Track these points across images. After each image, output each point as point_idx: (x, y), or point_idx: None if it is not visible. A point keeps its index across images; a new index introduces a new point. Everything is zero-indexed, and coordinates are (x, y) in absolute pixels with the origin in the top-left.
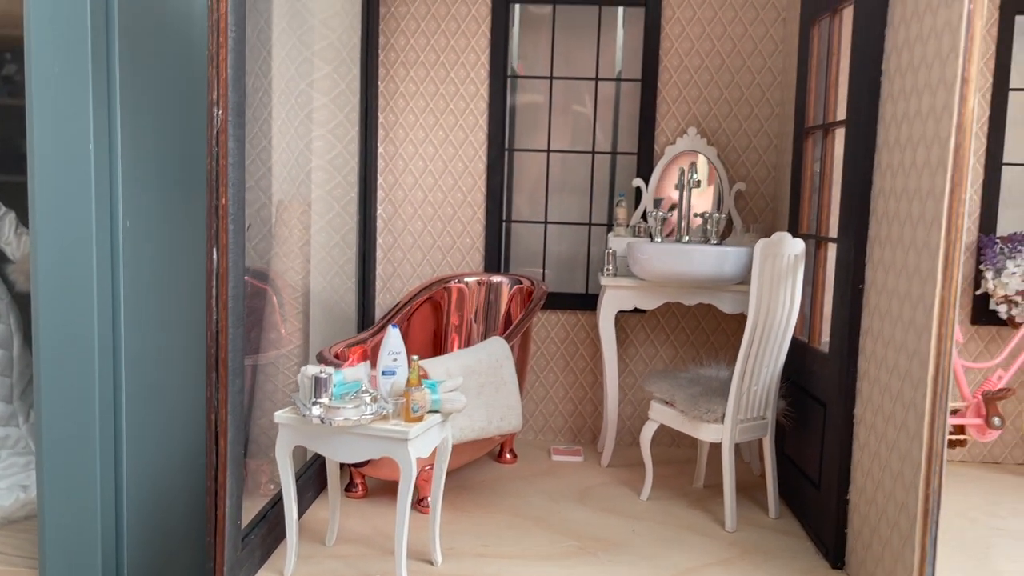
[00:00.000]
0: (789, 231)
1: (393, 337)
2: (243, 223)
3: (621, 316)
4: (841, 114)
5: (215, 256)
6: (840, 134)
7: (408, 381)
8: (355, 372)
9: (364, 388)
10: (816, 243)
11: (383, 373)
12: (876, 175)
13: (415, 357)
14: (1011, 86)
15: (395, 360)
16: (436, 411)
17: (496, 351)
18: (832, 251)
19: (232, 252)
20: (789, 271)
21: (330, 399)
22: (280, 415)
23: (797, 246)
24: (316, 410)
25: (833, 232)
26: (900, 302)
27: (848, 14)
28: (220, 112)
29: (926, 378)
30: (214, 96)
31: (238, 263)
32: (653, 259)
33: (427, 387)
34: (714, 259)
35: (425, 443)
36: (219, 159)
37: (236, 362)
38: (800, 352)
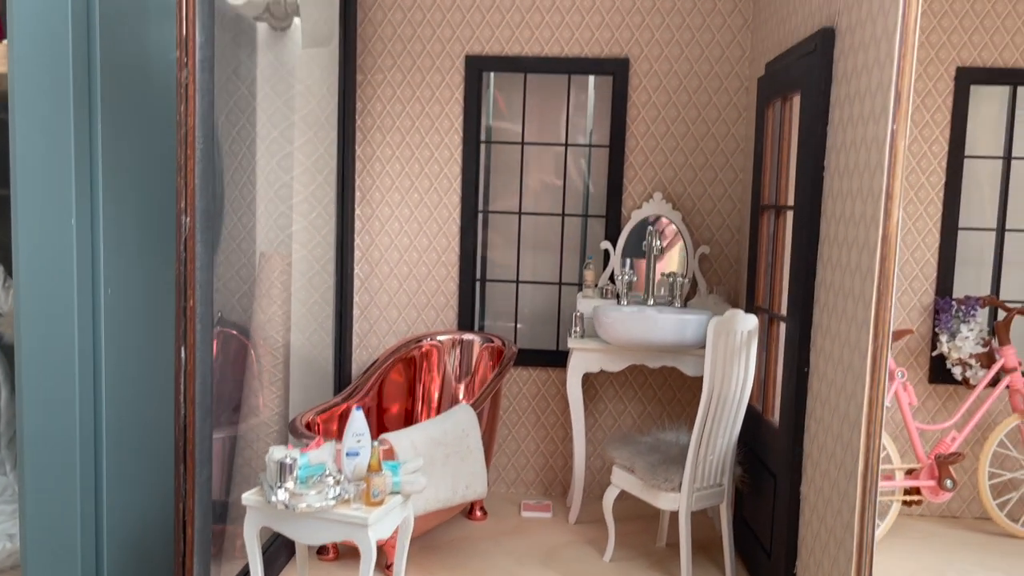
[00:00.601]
0: (747, 302)
1: (357, 420)
2: (211, 320)
3: (590, 374)
4: (791, 199)
5: (183, 355)
6: (791, 216)
7: (369, 465)
8: (320, 454)
9: (328, 472)
10: (769, 318)
11: (347, 454)
12: (819, 266)
13: (375, 443)
14: (966, 153)
15: (359, 441)
16: (397, 492)
17: (462, 420)
18: (783, 328)
19: (200, 350)
20: (743, 346)
21: (295, 483)
22: (248, 497)
23: (750, 323)
24: (281, 495)
25: (784, 310)
26: (837, 393)
27: (797, 102)
28: (188, 220)
29: (856, 473)
30: (182, 205)
31: (205, 360)
32: (617, 325)
33: (388, 469)
34: (675, 326)
35: (386, 525)
36: (187, 263)
37: (203, 454)
38: (756, 420)
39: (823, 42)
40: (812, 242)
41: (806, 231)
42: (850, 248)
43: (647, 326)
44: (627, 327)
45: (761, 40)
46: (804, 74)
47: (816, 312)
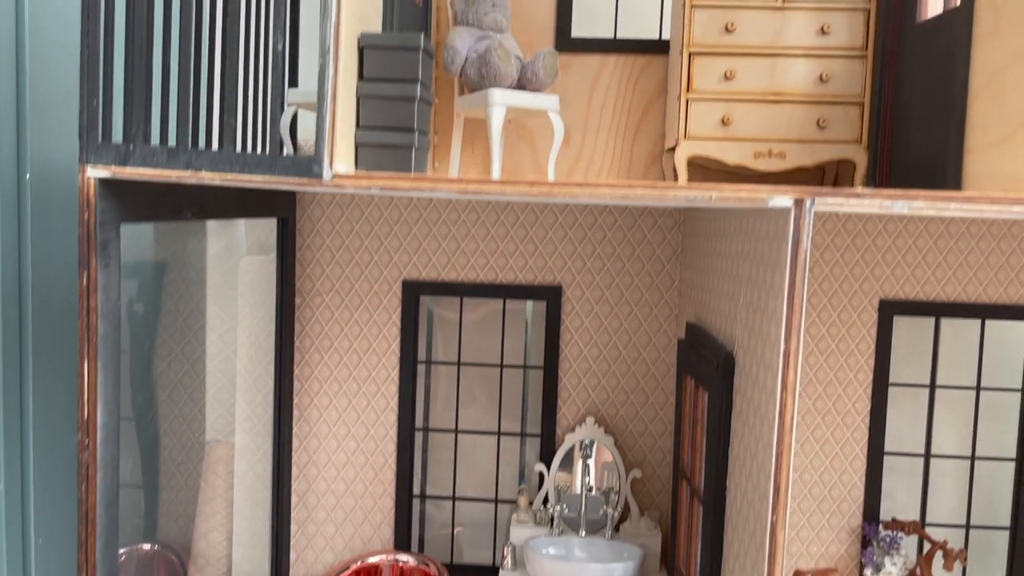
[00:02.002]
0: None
1: None
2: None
3: None
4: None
5: None
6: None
7: None
8: None
9: None
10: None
11: None
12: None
13: None
14: (891, 381)
15: None
16: None
17: None
18: None
19: None
20: None
21: None
22: None
23: None
24: None
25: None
26: None
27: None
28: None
29: None
30: None
31: None
32: (544, 566)
33: None
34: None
35: None
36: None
37: None
38: None
39: (725, 366)
40: (718, 526)
41: (711, 516)
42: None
43: (574, 571)
44: (553, 570)
45: (687, 289)
46: (710, 379)
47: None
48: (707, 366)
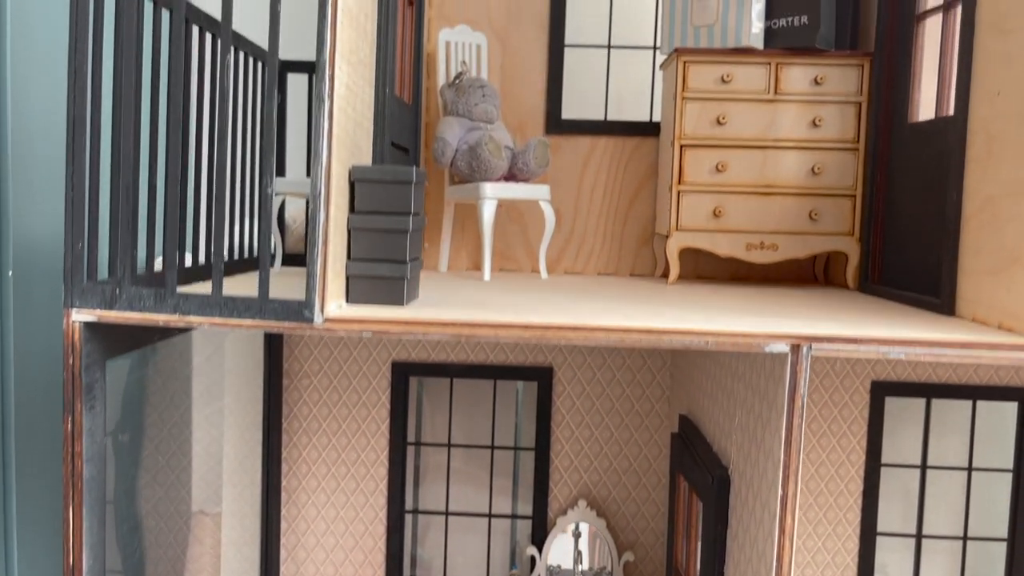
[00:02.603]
0: None
1: None
2: None
3: None
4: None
5: None
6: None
7: None
8: None
9: None
10: None
11: None
12: None
13: None
14: (883, 461)
15: None
16: None
17: None
18: None
19: None
20: None
21: None
22: None
23: None
24: None
25: None
26: None
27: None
28: None
29: None
30: None
31: None
32: None
33: None
34: None
35: None
36: None
37: None
38: None
39: (720, 485)
40: None
41: None
42: None
43: None
44: None
45: (679, 375)
46: (705, 491)
47: None
48: (702, 477)
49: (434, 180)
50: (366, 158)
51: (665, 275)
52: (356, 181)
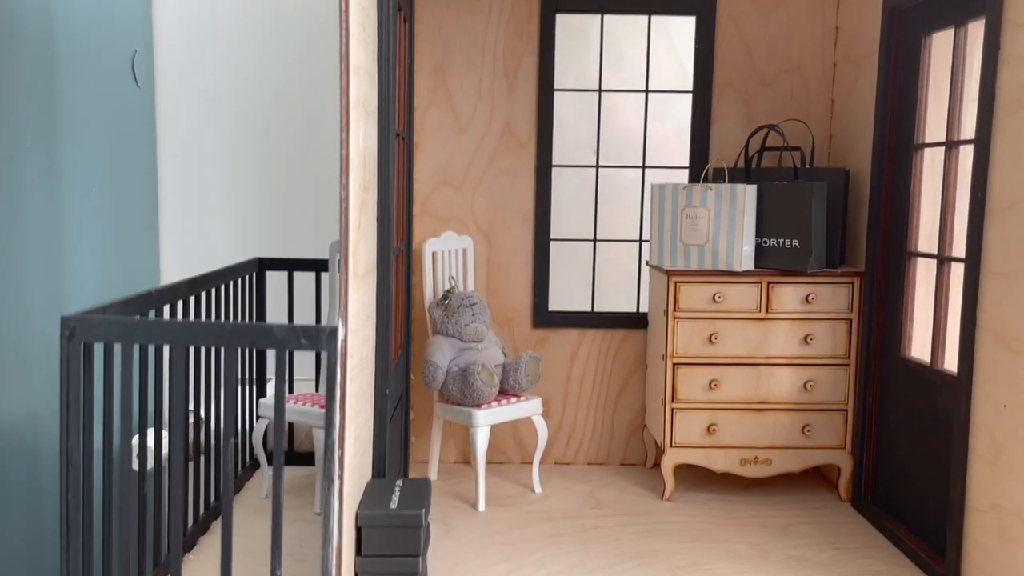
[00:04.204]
0: None
1: None
2: None
3: None
4: None
5: None
6: None
7: None
8: None
9: None
10: None
11: None
12: None
13: None
14: None
15: None
16: None
17: None
18: None
19: None
20: None
21: None
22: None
23: None
24: None
25: None
26: None
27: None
28: None
29: None
30: None
31: None
32: None
33: None
34: None
35: None
36: None
37: None
38: None
39: None
40: None
41: None
42: None
43: None
44: None
45: None
46: None
47: None
48: None
49: (422, 396)
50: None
51: (656, 465)
52: (362, 527)
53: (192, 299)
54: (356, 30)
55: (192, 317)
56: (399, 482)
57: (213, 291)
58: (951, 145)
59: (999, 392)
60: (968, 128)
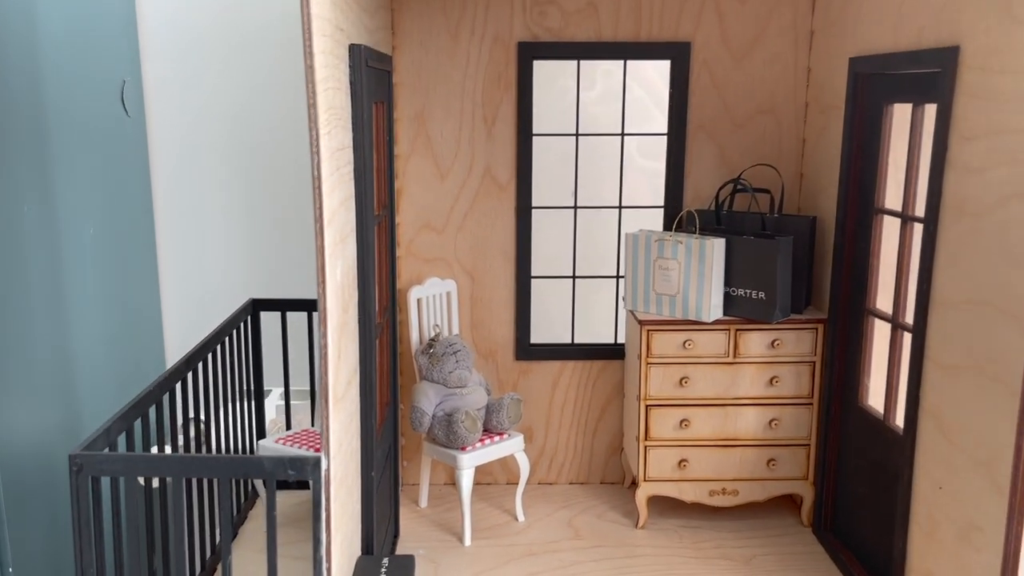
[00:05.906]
0: None
1: None
2: None
3: None
4: None
5: None
6: None
7: None
8: None
9: None
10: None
11: None
12: None
13: None
14: None
15: None
16: None
17: None
18: None
19: None
20: None
21: None
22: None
23: None
24: None
25: None
26: None
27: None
28: None
29: None
30: None
31: None
32: None
33: None
34: None
35: None
36: None
37: None
38: None
39: None
40: None
41: None
42: None
43: None
44: None
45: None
46: None
47: None
48: None
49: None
50: None
51: (633, 485)
52: None
53: (190, 375)
54: (324, 127)
55: (191, 392)
56: (385, 562)
57: (210, 355)
58: (906, 219)
59: (937, 473)
60: (920, 206)
